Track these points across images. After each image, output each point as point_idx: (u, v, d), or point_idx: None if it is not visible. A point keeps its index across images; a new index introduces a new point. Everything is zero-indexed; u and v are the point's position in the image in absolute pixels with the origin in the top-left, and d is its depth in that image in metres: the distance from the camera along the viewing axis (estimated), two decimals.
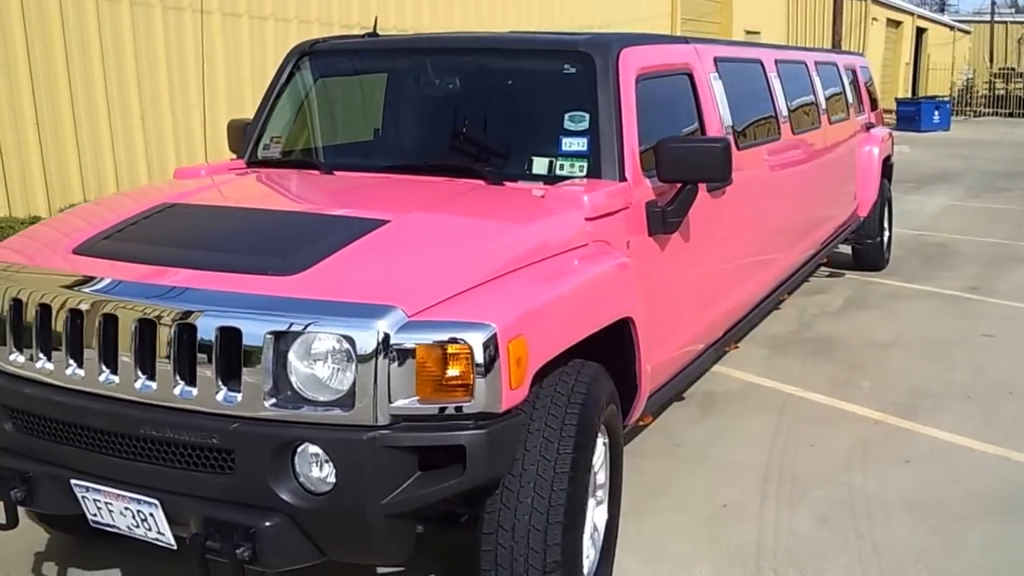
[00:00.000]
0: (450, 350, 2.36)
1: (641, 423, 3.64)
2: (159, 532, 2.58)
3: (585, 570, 2.89)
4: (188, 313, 2.45)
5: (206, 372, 2.43)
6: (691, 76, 4.19)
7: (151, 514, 2.55)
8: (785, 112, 5.48)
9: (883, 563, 3.36)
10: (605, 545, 3.07)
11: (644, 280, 3.37)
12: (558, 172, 3.42)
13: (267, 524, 2.39)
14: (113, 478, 2.58)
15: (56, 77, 7.72)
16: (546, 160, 3.45)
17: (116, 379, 2.55)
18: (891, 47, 33.27)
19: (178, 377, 2.47)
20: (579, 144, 3.44)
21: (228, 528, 2.40)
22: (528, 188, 3.29)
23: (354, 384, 2.34)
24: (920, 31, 36.73)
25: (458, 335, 2.36)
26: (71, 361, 2.62)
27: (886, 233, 8.44)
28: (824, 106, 6.55)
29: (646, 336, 3.29)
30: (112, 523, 2.65)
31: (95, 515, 2.67)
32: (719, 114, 4.35)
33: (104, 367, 2.56)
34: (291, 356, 2.38)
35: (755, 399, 4.95)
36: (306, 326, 2.37)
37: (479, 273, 2.61)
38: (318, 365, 2.38)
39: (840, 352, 5.81)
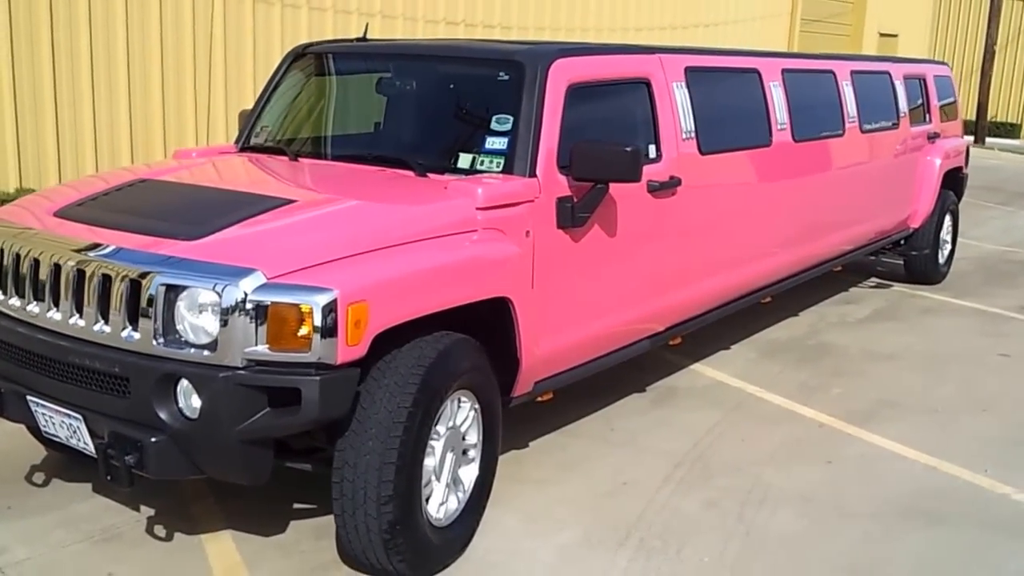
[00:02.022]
0: (302, 309, 2.86)
1: (541, 399, 3.98)
2: (85, 443, 3.21)
3: (442, 515, 3.33)
4: (109, 266, 3.06)
5: (117, 314, 3.04)
6: (648, 85, 4.48)
7: (78, 427, 3.18)
8: (783, 120, 5.61)
9: (747, 544, 3.58)
10: (473, 500, 3.47)
11: (546, 267, 3.74)
12: (478, 167, 3.82)
13: (152, 440, 2.98)
14: (53, 396, 3.23)
15: (40, 50, 7.34)
16: (470, 156, 3.87)
17: (58, 316, 3.19)
18: None
19: (99, 316, 3.09)
20: (500, 143, 3.83)
21: (124, 440, 3.01)
22: (445, 179, 3.71)
23: (219, 331, 2.88)
24: None
25: (304, 297, 2.85)
26: (31, 300, 3.29)
27: (947, 247, 8.24)
28: (853, 115, 6.57)
29: (535, 318, 3.66)
30: (56, 433, 3.31)
31: (45, 426, 3.33)
32: (678, 121, 4.60)
33: (52, 305, 3.22)
34: (177, 305, 2.95)
35: (713, 396, 5.11)
36: (187, 281, 2.93)
37: (349, 246, 3.09)
38: (195, 314, 2.93)
39: (831, 360, 5.84)
